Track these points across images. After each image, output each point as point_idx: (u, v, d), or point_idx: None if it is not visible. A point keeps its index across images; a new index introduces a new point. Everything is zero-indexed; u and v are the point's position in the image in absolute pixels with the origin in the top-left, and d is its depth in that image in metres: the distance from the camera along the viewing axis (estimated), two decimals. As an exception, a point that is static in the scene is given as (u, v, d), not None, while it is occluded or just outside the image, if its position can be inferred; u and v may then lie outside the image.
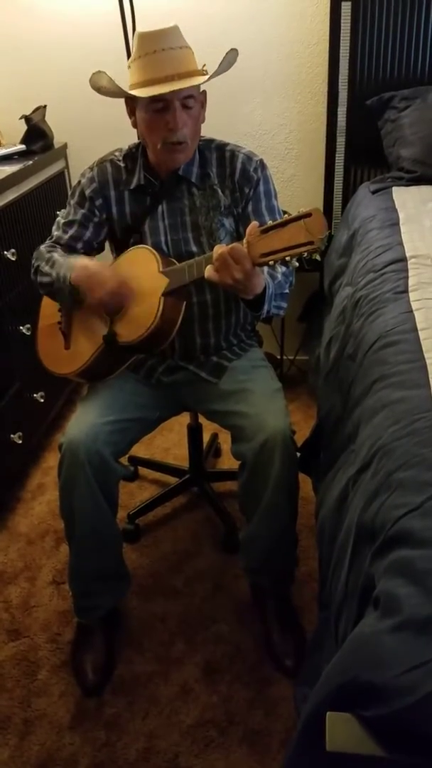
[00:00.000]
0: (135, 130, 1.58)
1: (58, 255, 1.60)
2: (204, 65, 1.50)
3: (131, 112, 1.55)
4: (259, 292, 1.40)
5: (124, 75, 1.51)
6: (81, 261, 1.53)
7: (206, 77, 1.47)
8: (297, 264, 1.27)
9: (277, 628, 1.68)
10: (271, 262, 1.28)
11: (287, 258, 1.26)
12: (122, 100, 1.54)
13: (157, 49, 1.44)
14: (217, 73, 1.51)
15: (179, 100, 1.46)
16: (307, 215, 1.23)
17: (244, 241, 1.30)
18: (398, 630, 0.78)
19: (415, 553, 0.86)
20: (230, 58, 1.51)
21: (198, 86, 1.50)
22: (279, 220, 1.27)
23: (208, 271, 1.34)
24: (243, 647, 1.70)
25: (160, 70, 1.44)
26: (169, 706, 1.56)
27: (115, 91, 1.50)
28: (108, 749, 1.48)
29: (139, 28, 1.49)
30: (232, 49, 1.51)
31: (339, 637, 1.07)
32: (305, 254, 1.24)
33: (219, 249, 1.31)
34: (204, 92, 1.55)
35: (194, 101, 1.49)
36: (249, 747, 1.46)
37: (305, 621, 1.72)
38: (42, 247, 1.66)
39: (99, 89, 1.52)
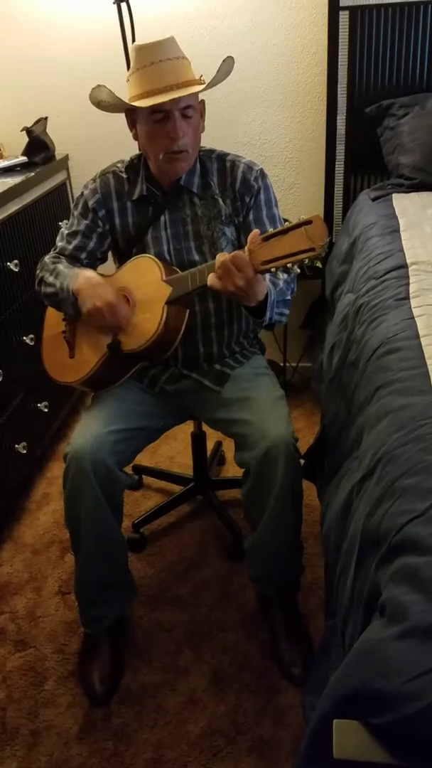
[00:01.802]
0: (136, 142, 1.59)
1: (62, 266, 1.61)
2: (201, 75, 1.51)
3: (132, 125, 1.56)
4: (261, 300, 1.40)
5: (125, 87, 1.53)
6: (86, 273, 1.55)
7: (204, 86, 1.49)
8: (298, 270, 1.28)
9: (283, 637, 1.68)
10: (272, 269, 1.29)
11: (289, 265, 1.26)
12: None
13: (154, 60, 1.46)
14: (214, 82, 1.53)
15: (178, 110, 1.47)
16: (308, 222, 1.24)
17: (246, 248, 1.31)
18: (404, 637, 0.78)
19: (420, 560, 0.86)
20: (227, 66, 1.53)
21: (197, 95, 1.51)
22: (280, 228, 1.28)
23: (211, 279, 1.35)
24: (250, 656, 1.69)
25: (158, 81, 1.46)
26: (176, 715, 1.56)
27: (114, 104, 1.52)
28: (116, 759, 1.48)
29: (138, 41, 1.51)
30: (228, 57, 1.52)
31: (346, 645, 1.07)
32: (306, 261, 1.25)
33: (221, 257, 1.32)
34: (202, 101, 1.56)
35: (193, 111, 1.51)
36: (257, 756, 1.46)
37: (312, 629, 1.72)
38: (46, 258, 1.68)
39: (99, 104, 1.54)
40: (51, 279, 1.60)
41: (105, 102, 1.53)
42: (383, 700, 0.74)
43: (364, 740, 0.75)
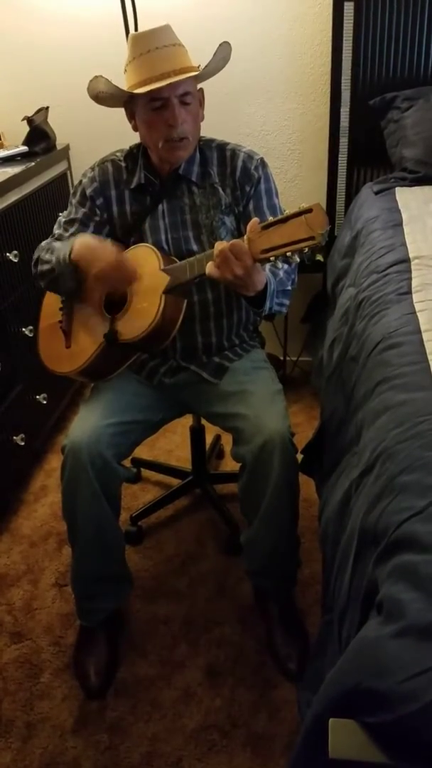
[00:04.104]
0: (136, 131, 1.57)
1: (57, 243, 1.60)
2: (199, 64, 1.49)
3: (131, 116, 1.55)
4: (260, 289, 1.39)
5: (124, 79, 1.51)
6: (80, 238, 1.53)
7: (201, 71, 1.47)
8: (298, 260, 1.26)
9: (280, 631, 1.67)
10: (272, 258, 1.27)
11: (288, 254, 1.25)
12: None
13: (150, 48, 1.44)
14: (211, 67, 1.50)
15: (177, 97, 1.46)
16: (308, 211, 1.22)
17: (245, 237, 1.29)
18: (401, 635, 0.77)
19: (419, 557, 0.85)
20: (223, 51, 1.51)
21: (195, 83, 1.50)
22: (280, 216, 1.26)
23: (209, 268, 1.34)
24: (246, 650, 1.69)
25: (154, 69, 1.44)
26: (172, 709, 1.56)
27: (112, 95, 1.50)
28: (111, 752, 1.48)
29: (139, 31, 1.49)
30: (224, 42, 1.50)
31: (342, 642, 1.07)
32: (306, 249, 1.23)
33: (220, 245, 1.30)
34: (201, 90, 1.55)
35: (192, 98, 1.49)
36: (252, 751, 1.46)
37: (308, 624, 1.71)
38: (43, 243, 1.66)
39: (97, 95, 1.52)
40: (47, 256, 1.59)
41: (103, 93, 1.51)
42: (379, 700, 0.74)
43: (360, 740, 0.75)
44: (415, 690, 0.71)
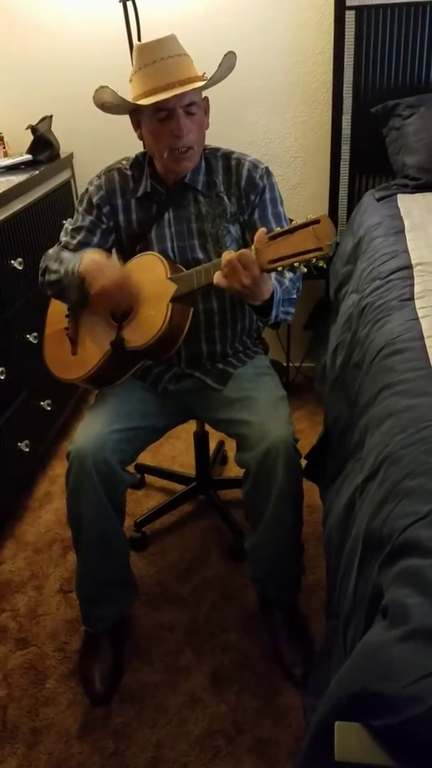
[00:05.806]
0: (142, 141, 1.59)
1: (66, 254, 1.62)
2: (204, 73, 1.51)
3: (136, 125, 1.56)
4: (267, 298, 1.40)
5: (129, 88, 1.52)
6: (89, 253, 1.54)
7: (206, 81, 1.49)
8: (305, 270, 1.27)
9: (284, 637, 1.68)
10: (279, 268, 1.29)
11: (296, 264, 1.26)
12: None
13: (156, 58, 1.46)
14: (216, 77, 1.52)
15: (182, 107, 1.47)
16: (316, 222, 1.24)
17: (253, 247, 1.31)
18: (407, 639, 0.78)
19: (423, 562, 0.86)
20: (228, 61, 1.52)
21: (200, 93, 1.51)
22: (287, 227, 1.27)
23: (217, 277, 1.35)
24: (251, 656, 1.69)
25: (160, 79, 1.46)
26: (177, 715, 1.56)
27: (118, 105, 1.52)
28: (116, 758, 1.48)
29: (142, 40, 1.51)
30: (229, 52, 1.51)
31: (347, 647, 1.07)
32: (314, 260, 1.25)
33: (228, 255, 1.32)
34: (206, 99, 1.56)
35: (197, 107, 1.50)
36: (258, 757, 1.46)
37: (313, 630, 1.71)
38: (50, 251, 1.68)
39: (102, 105, 1.54)
40: (55, 266, 1.60)
41: (108, 103, 1.52)
42: (385, 703, 0.74)
43: (366, 743, 0.75)
44: (420, 693, 0.72)
